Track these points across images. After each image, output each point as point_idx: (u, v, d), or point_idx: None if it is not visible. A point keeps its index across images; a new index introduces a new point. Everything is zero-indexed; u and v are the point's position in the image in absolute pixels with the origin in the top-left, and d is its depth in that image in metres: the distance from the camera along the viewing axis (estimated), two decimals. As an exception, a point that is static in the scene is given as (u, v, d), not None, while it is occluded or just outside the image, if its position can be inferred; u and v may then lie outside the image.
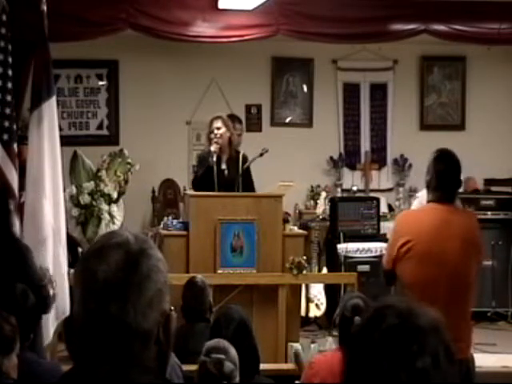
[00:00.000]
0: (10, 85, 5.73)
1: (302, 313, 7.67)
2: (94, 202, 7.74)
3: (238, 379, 3.62)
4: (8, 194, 5.35)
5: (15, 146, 5.73)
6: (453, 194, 4.60)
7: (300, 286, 7.10)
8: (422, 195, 5.93)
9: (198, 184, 6.94)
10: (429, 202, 4.65)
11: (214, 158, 6.78)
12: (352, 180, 10.10)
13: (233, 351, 3.64)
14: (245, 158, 6.97)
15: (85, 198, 7.71)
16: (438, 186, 4.54)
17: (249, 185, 6.95)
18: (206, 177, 6.83)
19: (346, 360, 1.46)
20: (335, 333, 5.62)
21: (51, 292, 4.89)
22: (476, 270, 4.52)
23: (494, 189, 9.44)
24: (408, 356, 1.38)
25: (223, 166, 6.86)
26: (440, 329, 1.43)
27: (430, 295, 4.29)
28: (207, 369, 3.53)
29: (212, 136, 6.86)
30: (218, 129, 6.86)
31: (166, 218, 7.11)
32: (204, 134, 8.54)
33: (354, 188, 9.83)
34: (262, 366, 4.21)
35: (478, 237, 4.56)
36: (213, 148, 6.81)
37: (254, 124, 10.06)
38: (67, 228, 6.37)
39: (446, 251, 4.41)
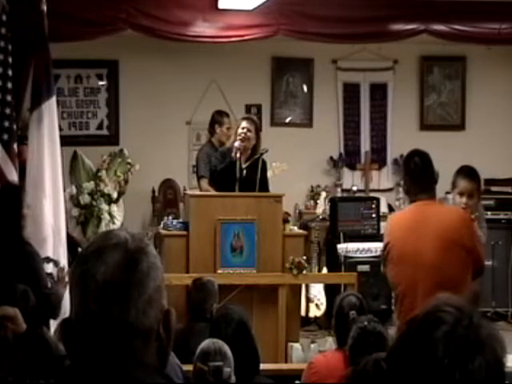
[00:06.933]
0: (9, 85, 5.73)
1: (302, 313, 7.67)
2: (93, 202, 7.75)
3: (233, 379, 3.62)
4: (21, 197, 5.17)
5: (15, 146, 5.73)
6: (430, 188, 4.54)
7: (300, 285, 7.11)
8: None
9: (217, 177, 6.92)
10: (411, 202, 4.65)
11: (238, 155, 6.76)
12: (352, 180, 10.09)
13: (228, 352, 3.63)
14: (264, 163, 6.94)
15: (85, 198, 7.72)
16: (412, 183, 4.53)
17: (265, 186, 6.95)
18: (226, 171, 6.81)
19: (392, 351, 1.50)
20: (335, 333, 5.62)
21: (62, 291, 4.86)
22: (467, 269, 4.40)
23: (493, 189, 9.44)
24: (468, 366, 1.42)
25: (243, 166, 6.82)
26: (497, 342, 1.47)
27: (410, 296, 4.30)
28: (205, 378, 3.52)
29: (239, 131, 6.84)
30: (249, 130, 6.82)
31: (165, 218, 7.11)
32: (204, 134, 8.56)
33: (354, 188, 9.83)
34: (262, 366, 4.20)
35: (464, 234, 4.39)
36: (237, 144, 6.77)
37: (254, 124, 10.05)
38: (67, 228, 6.38)
39: (421, 251, 4.34)
